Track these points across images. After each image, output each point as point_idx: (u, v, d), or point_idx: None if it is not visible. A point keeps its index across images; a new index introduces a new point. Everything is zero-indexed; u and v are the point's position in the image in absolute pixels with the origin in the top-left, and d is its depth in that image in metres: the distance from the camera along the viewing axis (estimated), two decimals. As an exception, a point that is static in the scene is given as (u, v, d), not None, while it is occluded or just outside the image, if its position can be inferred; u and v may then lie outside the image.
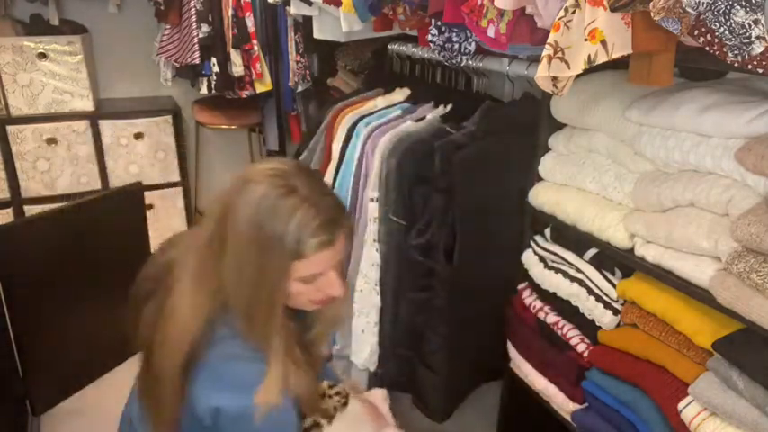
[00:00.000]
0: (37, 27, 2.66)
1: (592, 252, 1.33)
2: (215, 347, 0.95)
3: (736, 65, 0.79)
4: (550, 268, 1.42)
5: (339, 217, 0.95)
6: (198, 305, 0.95)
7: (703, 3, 0.74)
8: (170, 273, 1.01)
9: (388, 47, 2.01)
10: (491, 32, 1.20)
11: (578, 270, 1.34)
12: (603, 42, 0.90)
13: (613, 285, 1.25)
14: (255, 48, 2.52)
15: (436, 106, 1.76)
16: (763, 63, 0.77)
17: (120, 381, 1.97)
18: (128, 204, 1.97)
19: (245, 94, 2.63)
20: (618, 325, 1.27)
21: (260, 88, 2.63)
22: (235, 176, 0.97)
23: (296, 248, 0.91)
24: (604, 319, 1.27)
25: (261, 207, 0.90)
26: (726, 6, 0.73)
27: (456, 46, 1.44)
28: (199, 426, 0.96)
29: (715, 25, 0.75)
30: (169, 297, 0.97)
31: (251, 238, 0.91)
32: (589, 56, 0.91)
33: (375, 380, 1.72)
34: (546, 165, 1.42)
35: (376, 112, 1.82)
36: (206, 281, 0.95)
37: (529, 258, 1.49)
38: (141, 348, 1.03)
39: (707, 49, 0.82)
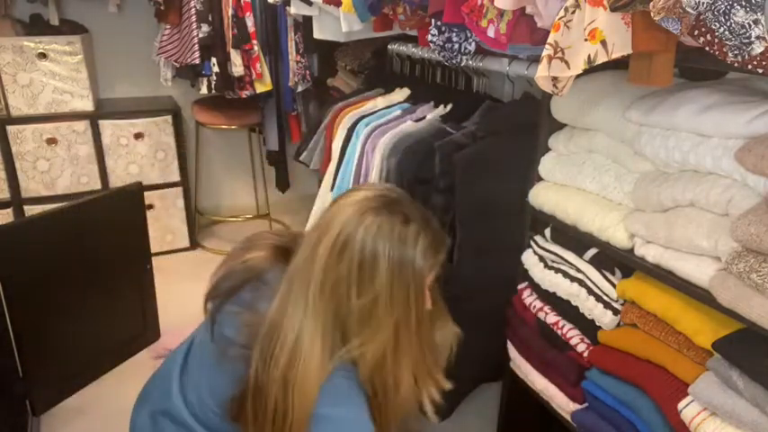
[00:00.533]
0: (37, 27, 2.66)
1: (592, 252, 1.33)
2: (332, 379, 0.96)
3: (736, 65, 0.79)
4: (550, 268, 1.42)
5: (444, 238, 1.02)
6: (326, 344, 0.95)
7: (703, 3, 0.74)
8: (251, 276, 1.03)
9: (388, 47, 2.01)
10: (491, 32, 1.20)
11: (578, 270, 1.34)
12: (603, 42, 0.90)
13: (613, 285, 1.25)
14: (255, 48, 2.52)
15: (436, 106, 1.76)
16: (763, 63, 0.77)
17: (121, 380, 1.98)
18: (128, 204, 1.97)
19: (245, 94, 2.63)
20: (618, 325, 1.27)
21: (260, 88, 2.63)
22: (340, 209, 0.97)
23: (426, 268, 0.96)
24: (604, 319, 1.27)
25: (393, 237, 0.93)
26: (726, 6, 0.73)
27: (456, 46, 1.44)
28: None
29: (715, 25, 0.75)
30: (282, 329, 0.95)
31: (389, 268, 0.93)
32: (589, 56, 0.91)
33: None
34: (546, 165, 1.42)
35: (376, 111, 1.82)
36: (325, 316, 0.95)
37: (529, 258, 1.49)
38: (252, 386, 0.98)
39: (707, 49, 0.82)
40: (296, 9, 2.09)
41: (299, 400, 0.94)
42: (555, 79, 0.98)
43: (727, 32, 0.74)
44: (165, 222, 2.95)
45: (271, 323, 0.97)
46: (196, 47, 2.51)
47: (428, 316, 1.02)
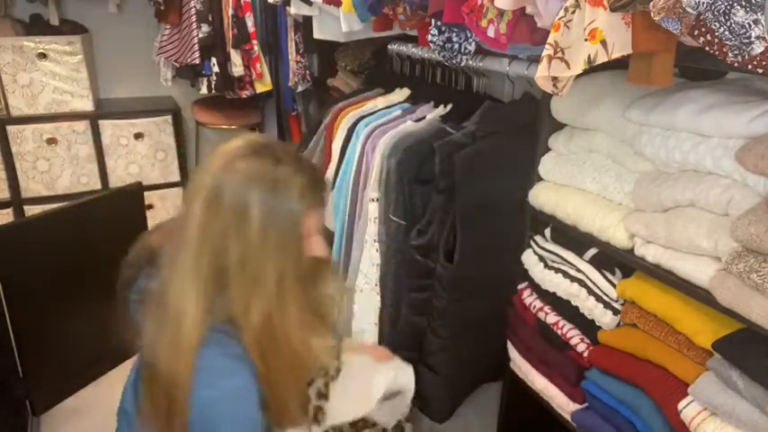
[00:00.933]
0: (37, 27, 2.66)
1: (592, 252, 1.33)
2: (210, 345, 0.93)
3: (736, 65, 0.79)
4: (550, 268, 1.42)
5: (322, 176, 1.01)
6: (202, 301, 0.93)
7: (703, 3, 0.74)
8: (152, 260, 1.01)
9: (388, 47, 2.01)
10: (491, 32, 1.20)
11: (578, 270, 1.34)
12: (603, 42, 0.90)
13: (613, 285, 1.25)
14: (255, 48, 2.52)
15: (436, 106, 1.76)
16: (763, 63, 0.77)
17: (120, 381, 1.97)
18: (128, 204, 1.97)
19: (245, 94, 2.63)
20: (618, 325, 1.27)
21: (260, 88, 2.63)
22: (209, 161, 0.95)
23: (306, 209, 0.94)
24: (604, 319, 1.27)
25: (265, 180, 0.91)
26: (726, 6, 0.73)
27: (456, 46, 1.43)
28: None
29: (715, 25, 0.75)
30: (167, 296, 0.94)
31: (264, 214, 0.91)
32: (589, 56, 0.91)
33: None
34: (546, 165, 1.42)
35: (376, 112, 1.82)
36: (207, 274, 0.93)
37: (529, 258, 1.49)
38: (146, 357, 0.99)
39: (707, 49, 0.82)
40: (296, 9, 2.09)
41: (187, 366, 0.92)
42: (555, 79, 0.98)
43: (727, 32, 0.74)
44: (165, 222, 2.95)
45: (157, 295, 0.95)
46: (196, 47, 2.51)
47: (312, 263, 0.98)
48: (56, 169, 2.66)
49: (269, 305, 0.94)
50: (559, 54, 0.95)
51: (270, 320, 0.94)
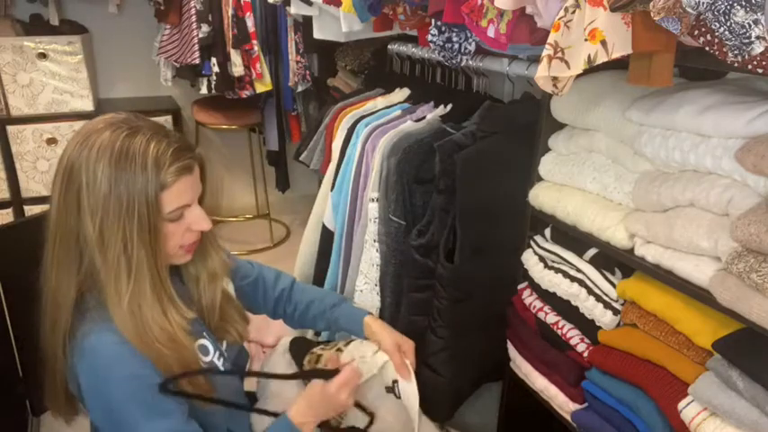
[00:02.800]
0: (37, 27, 2.66)
1: (592, 252, 1.33)
2: (84, 321, 0.94)
3: (736, 65, 0.79)
4: (550, 268, 1.42)
5: (189, 145, 0.98)
6: (66, 277, 0.94)
7: (703, 3, 0.74)
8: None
9: (388, 47, 2.01)
10: (491, 32, 1.20)
11: (578, 270, 1.34)
12: (603, 42, 0.90)
13: (613, 285, 1.25)
14: (255, 48, 2.52)
15: (436, 106, 1.76)
16: (763, 63, 0.77)
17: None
18: (128, 204, 1.97)
19: (245, 94, 2.63)
20: (618, 325, 1.27)
21: (260, 88, 2.64)
22: (69, 142, 0.95)
23: (158, 179, 0.91)
24: (604, 319, 1.27)
25: (114, 151, 0.90)
26: (726, 6, 0.73)
27: (456, 46, 1.44)
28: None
29: (715, 25, 0.75)
30: (42, 284, 0.97)
31: (110, 183, 0.90)
32: (589, 56, 0.91)
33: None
34: (546, 165, 1.42)
35: (376, 112, 1.82)
36: (68, 250, 0.93)
37: (529, 258, 1.49)
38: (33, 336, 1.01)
39: (707, 49, 0.82)
40: (296, 9, 2.09)
41: (51, 335, 0.95)
42: (555, 79, 0.98)
43: (727, 32, 0.74)
44: (165, 222, 2.95)
45: (42, 291, 0.98)
46: (196, 47, 2.51)
47: (157, 233, 0.94)
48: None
49: (117, 276, 0.92)
50: (559, 54, 0.95)
51: (119, 294, 0.92)
